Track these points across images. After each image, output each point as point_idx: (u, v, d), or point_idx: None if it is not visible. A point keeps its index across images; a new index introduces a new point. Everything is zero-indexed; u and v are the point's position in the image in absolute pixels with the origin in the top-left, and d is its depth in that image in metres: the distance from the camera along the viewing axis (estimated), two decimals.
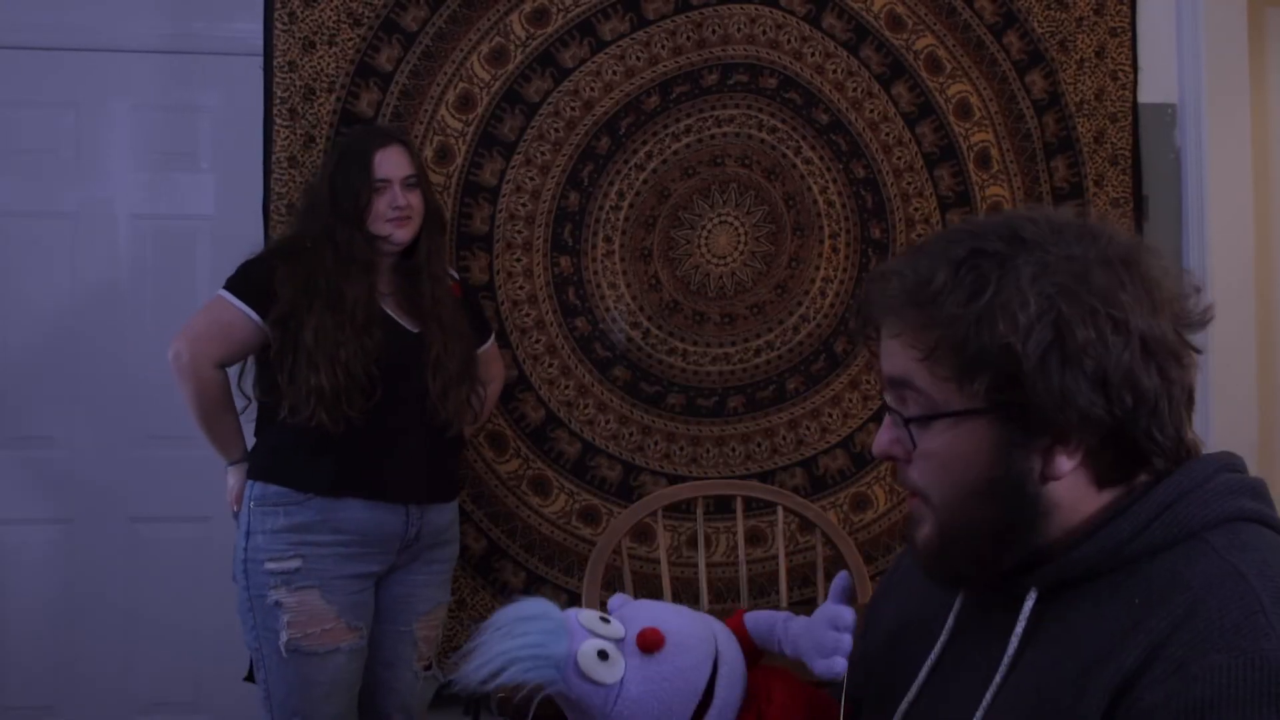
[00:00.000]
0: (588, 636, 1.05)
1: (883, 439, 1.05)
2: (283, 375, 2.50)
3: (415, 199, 2.62)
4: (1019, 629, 0.99)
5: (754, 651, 1.17)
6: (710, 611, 2.69)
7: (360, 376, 2.48)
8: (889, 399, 1.04)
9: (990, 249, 0.98)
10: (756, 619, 1.17)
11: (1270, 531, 0.98)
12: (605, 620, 1.08)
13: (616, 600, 1.15)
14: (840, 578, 1.13)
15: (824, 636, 1.09)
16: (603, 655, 1.05)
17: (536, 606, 1.05)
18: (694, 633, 1.11)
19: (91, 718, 3.22)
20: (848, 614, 1.10)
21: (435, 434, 2.62)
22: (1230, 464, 1.01)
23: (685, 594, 3.03)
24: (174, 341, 2.55)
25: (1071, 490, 0.99)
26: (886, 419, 1.05)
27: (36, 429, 3.22)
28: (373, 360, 2.50)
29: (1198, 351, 1.01)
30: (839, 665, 1.08)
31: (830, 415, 3.20)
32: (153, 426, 3.22)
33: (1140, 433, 0.97)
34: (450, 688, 2.79)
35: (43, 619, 3.21)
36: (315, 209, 2.62)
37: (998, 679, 0.99)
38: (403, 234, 2.61)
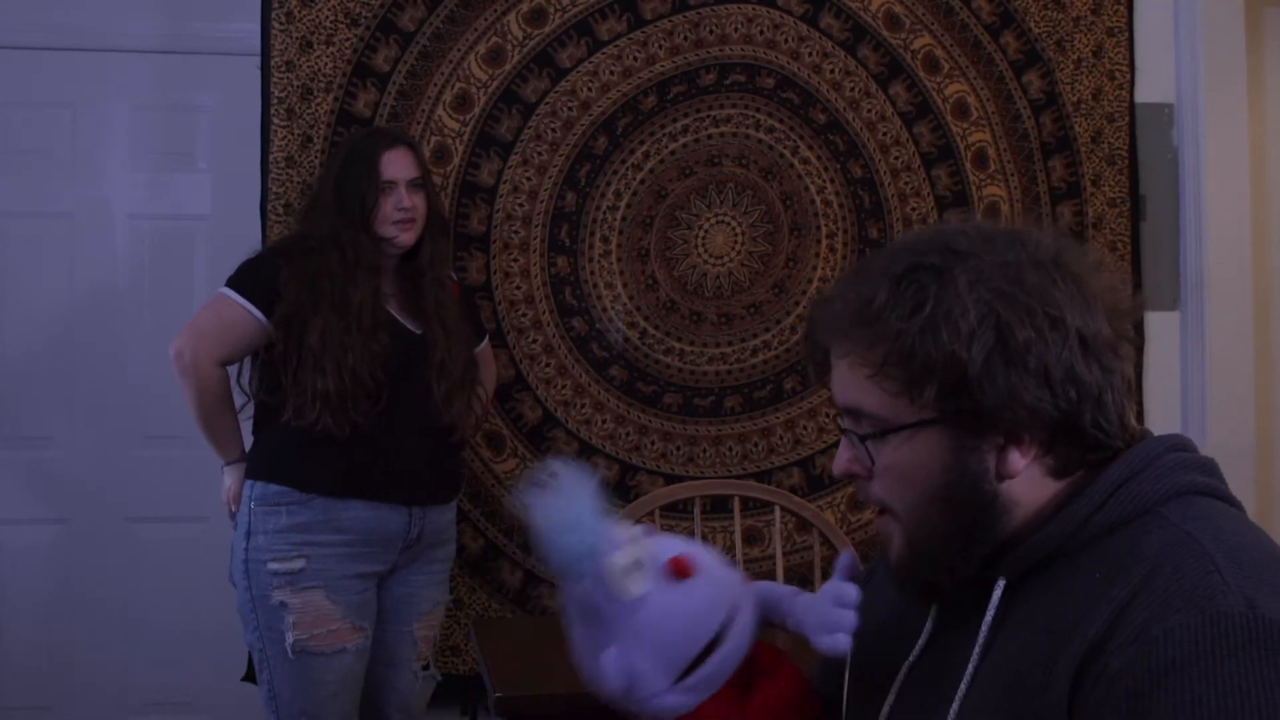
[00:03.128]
0: (623, 545, 1.06)
1: (842, 458, 1.08)
2: (286, 377, 2.49)
3: (420, 202, 2.62)
4: (988, 617, 1.02)
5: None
6: None
7: (366, 380, 2.47)
8: (844, 422, 1.08)
9: (927, 263, 1.01)
10: (763, 588, 1.17)
11: (1221, 503, 1.02)
12: (639, 540, 1.09)
13: (637, 530, 1.15)
14: (844, 554, 1.14)
15: (828, 613, 1.09)
16: (630, 569, 1.05)
17: (588, 492, 1.08)
18: (722, 574, 1.11)
19: (88, 718, 3.22)
20: (852, 591, 1.09)
21: (438, 436, 2.61)
22: (1179, 444, 1.05)
23: None
24: (176, 339, 2.53)
25: (1029, 486, 1.02)
26: (844, 440, 1.08)
27: (34, 429, 3.22)
28: (379, 364, 2.49)
29: (1132, 342, 1.04)
30: (843, 642, 1.07)
31: (827, 415, 3.20)
32: (150, 427, 3.22)
33: (1087, 424, 1.00)
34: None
35: (39, 619, 3.20)
36: (318, 209, 2.61)
37: (970, 668, 1.02)
38: (407, 237, 2.60)
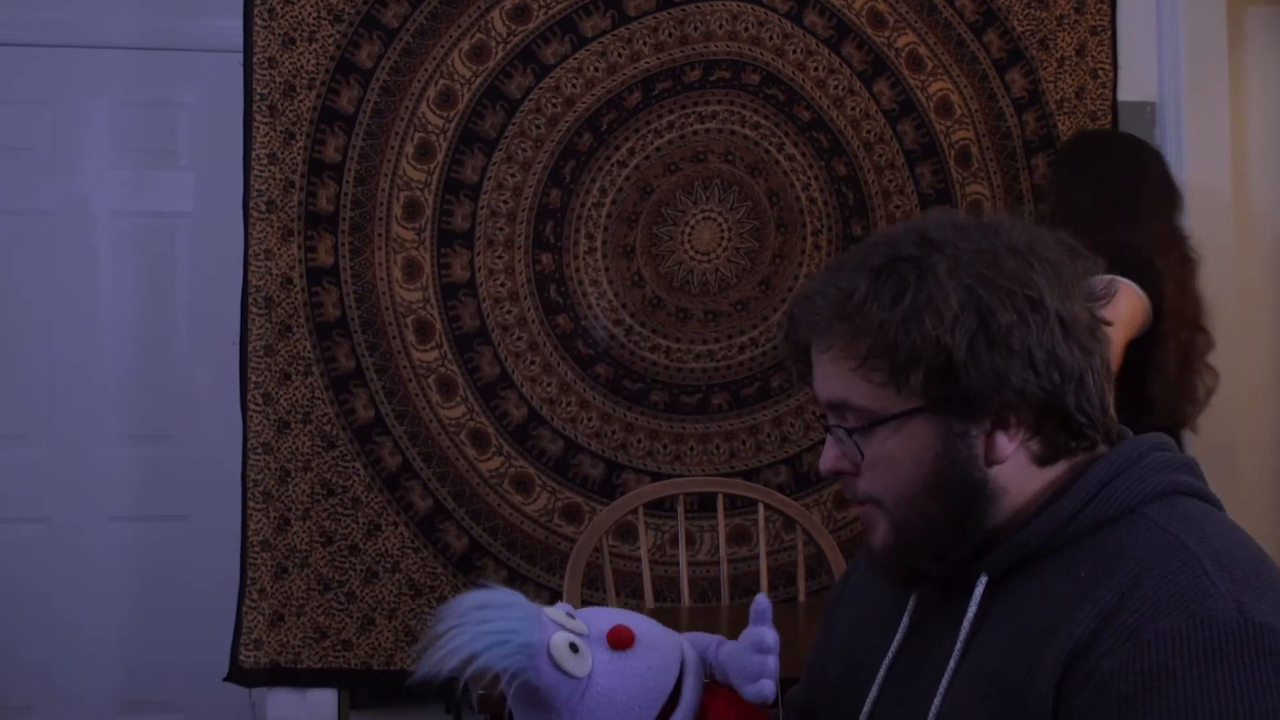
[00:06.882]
0: (557, 629, 1.05)
1: (829, 456, 1.08)
2: (1160, 384, 2.71)
3: None
4: (970, 613, 1.02)
5: None
6: (691, 610, 2.69)
7: None
8: (830, 418, 1.08)
9: (905, 254, 1.02)
10: (693, 640, 1.17)
11: (1204, 504, 1.03)
12: (570, 616, 1.09)
13: (561, 609, 1.13)
14: (758, 600, 1.14)
15: (749, 661, 1.09)
16: (573, 648, 1.04)
17: (506, 595, 1.05)
18: (660, 635, 1.11)
19: (69, 718, 3.20)
20: (770, 636, 1.09)
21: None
22: (1161, 444, 1.06)
23: (668, 593, 3.03)
24: None
25: (1016, 472, 1.03)
26: (829, 438, 1.08)
27: (13, 427, 3.20)
28: None
29: (1107, 324, 1.07)
30: (767, 689, 1.07)
31: (814, 413, 3.20)
32: (131, 425, 3.21)
33: (1070, 407, 1.01)
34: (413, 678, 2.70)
35: (19, 618, 3.19)
36: (1141, 217, 2.78)
37: (952, 664, 1.02)
38: None
